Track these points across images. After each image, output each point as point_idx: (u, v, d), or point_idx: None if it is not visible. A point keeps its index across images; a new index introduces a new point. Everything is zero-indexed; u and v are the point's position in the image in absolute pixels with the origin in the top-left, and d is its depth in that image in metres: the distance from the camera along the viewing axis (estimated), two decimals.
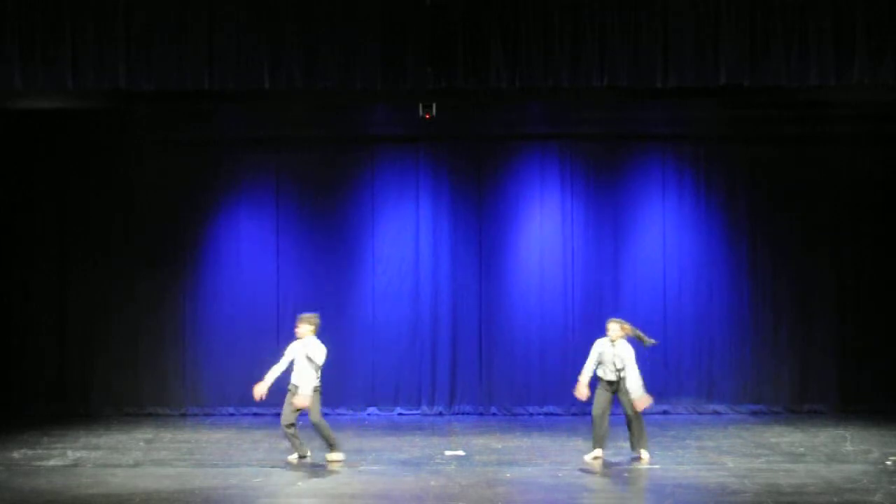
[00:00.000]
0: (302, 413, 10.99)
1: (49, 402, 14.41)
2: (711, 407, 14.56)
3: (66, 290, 14.58)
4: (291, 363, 11.06)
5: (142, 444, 12.07)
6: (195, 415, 14.44)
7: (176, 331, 14.62)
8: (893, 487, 9.41)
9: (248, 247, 14.68)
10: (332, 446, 10.93)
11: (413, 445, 11.95)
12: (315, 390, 10.92)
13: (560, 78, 11.09)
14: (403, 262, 14.69)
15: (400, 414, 14.52)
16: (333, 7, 11.06)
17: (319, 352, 11.02)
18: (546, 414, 14.35)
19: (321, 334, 14.56)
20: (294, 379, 10.95)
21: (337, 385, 14.59)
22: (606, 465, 10.71)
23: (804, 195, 14.68)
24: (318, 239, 14.72)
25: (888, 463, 10.61)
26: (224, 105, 13.11)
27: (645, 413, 14.29)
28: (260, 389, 11.02)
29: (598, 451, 11.06)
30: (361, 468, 10.54)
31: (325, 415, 14.15)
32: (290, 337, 14.50)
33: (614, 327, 11.20)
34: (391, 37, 11.04)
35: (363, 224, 14.72)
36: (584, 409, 14.36)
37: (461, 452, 11.38)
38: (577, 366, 14.45)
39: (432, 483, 9.74)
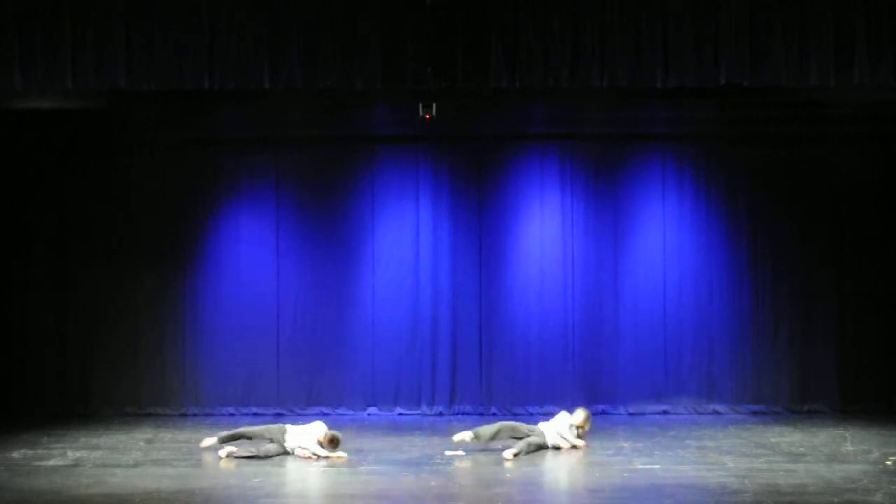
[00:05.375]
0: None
1: (49, 402, 14.41)
2: (711, 407, 14.56)
3: (66, 291, 14.58)
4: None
5: (142, 444, 12.07)
6: (195, 415, 14.44)
7: (176, 331, 14.62)
8: (893, 487, 9.41)
9: (248, 247, 14.68)
10: None
11: (413, 445, 11.95)
12: None
13: (560, 78, 11.09)
14: (403, 261, 14.69)
15: (400, 414, 14.52)
16: (333, 7, 11.06)
17: None
18: (546, 414, 14.26)
19: (321, 334, 14.69)
20: None
21: (337, 385, 14.63)
22: (607, 464, 10.69)
23: (804, 195, 14.68)
24: (318, 239, 14.72)
25: (888, 463, 10.60)
26: (224, 105, 13.10)
27: (645, 413, 14.43)
28: None
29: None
30: (361, 468, 10.54)
31: (325, 415, 14.27)
32: (290, 337, 14.62)
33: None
34: (391, 37, 11.03)
35: (363, 224, 14.72)
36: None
37: (461, 452, 11.37)
38: (577, 366, 14.61)
39: (432, 483, 9.73)
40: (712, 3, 11.06)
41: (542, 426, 11.81)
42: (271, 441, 11.21)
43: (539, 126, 14.80)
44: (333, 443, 11.12)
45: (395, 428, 13.38)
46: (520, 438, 11.55)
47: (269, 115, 14.25)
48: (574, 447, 11.62)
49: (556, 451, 11.53)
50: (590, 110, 14.10)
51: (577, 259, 14.68)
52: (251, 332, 14.60)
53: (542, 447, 11.58)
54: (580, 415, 11.87)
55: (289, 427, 11.34)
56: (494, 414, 14.41)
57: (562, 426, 11.78)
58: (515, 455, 11.14)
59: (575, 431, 11.77)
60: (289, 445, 11.15)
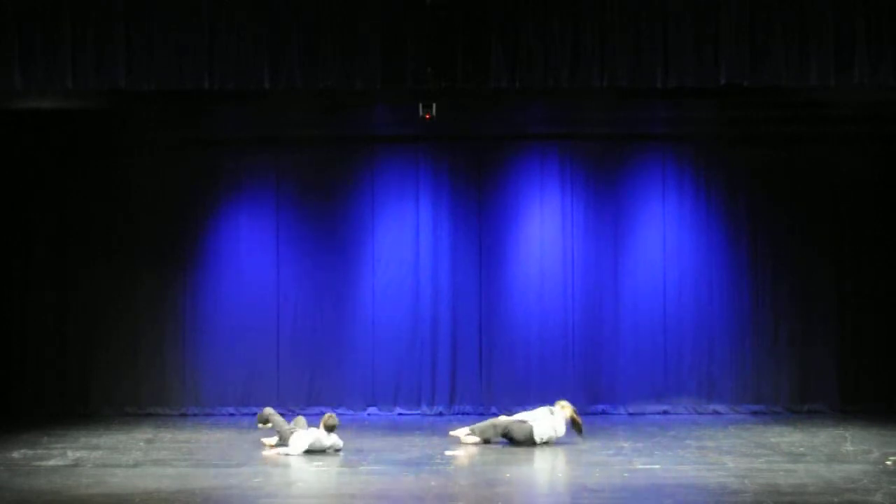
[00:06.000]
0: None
1: (49, 402, 14.42)
2: (711, 407, 14.56)
3: (66, 291, 14.59)
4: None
5: (142, 444, 12.07)
6: (195, 415, 14.44)
7: (176, 331, 14.62)
8: (893, 487, 9.41)
9: (248, 247, 14.69)
10: None
11: (413, 445, 11.95)
12: None
13: (560, 78, 11.09)
14: (403, 261, 14.69)
15: (400, 414, 14.53)
16: (333, 7, 11.06)
17: None
18: None
19: (321, 334, 14.69)
20: None
21: (337, 385, 14.63)
22: (607, 464, 10.68)
23: (804, 195, 14.68)
24: (318, 239, 14.72)
25: (888, 463, 10.60)
26: (224, 105, 13.11)
27: (645, 413, 14.43)
28: None
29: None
30: (361, 468, 10.54)
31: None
32: (290, 337, 14.62)
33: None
34: (391, 37, 11.03)
35: (363, 224, 14.72)
36: (584, 408, 14.39)
37: (461, 452, 11.38)
38: (577, 366, 14.62)
39: (432, 483, 9.73)
40: (712, 3, 11.07)
41: (530, 419, 11.90)
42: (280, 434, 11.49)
43: (539, 126, 14.80)
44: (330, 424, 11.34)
45: (395, 428, 13.39)
46: (508, 435, 11.81)
47: (269, 115, 14.25)
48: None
49: (549, 449, 11.54)
50: (590, 110, 14.10)
51: (577, 259, 14.68)
52: (251, 332, 14.60)
53: (518, 439, 11.71)
54: (566, 404, 12.09)
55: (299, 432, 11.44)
56: (494, 414, 14.38)
57: (556, 421, 11.83)
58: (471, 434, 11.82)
59: (567, 417, 11.89)
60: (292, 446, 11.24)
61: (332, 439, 11.31)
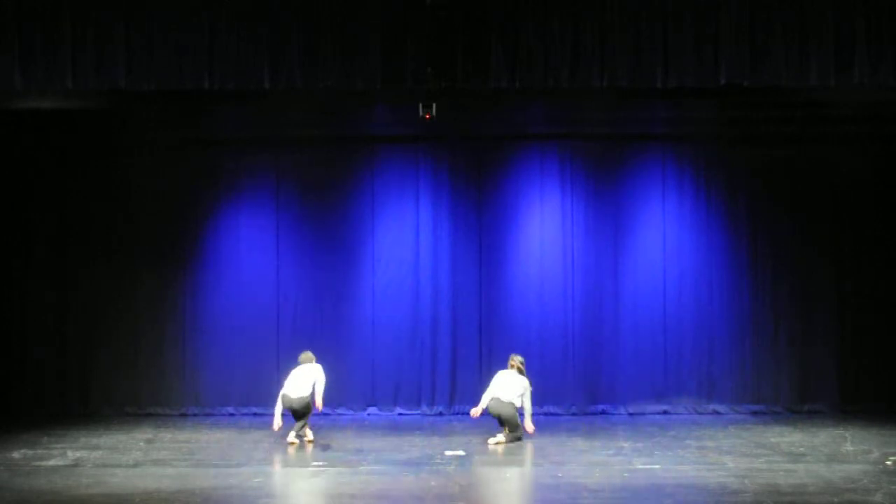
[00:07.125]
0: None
1: (49, 402, 14.42)
2: (711, 407, 14.56)
3: (66, 291, 14.59)
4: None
5: (142, 444, 12.07)
6: (195, 415, 14.45)
7: (176, 331, 14.62)
8: (893, 487, 9.41)
9: (248, 247, 14.69)
10: None
11: (413, 445, 11.96)
12: None
13: (560, 78, 11.10)
14: (403, 261, 14.69)
15: (400, 414, 14.53)
16: (333, 7, 11.07)
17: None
18: (546, 414, 14.33)
19: (321, 334, 14.70)
20: None
21: (337, 385, 14.56)
22: (607, 464, 10.68)
23: (804, 195, 14.68)
24: (318, 239, 14.72)
25: (888, 463, 10.61)
26: (224, 105, 13.11)
27: (645, 413, 14.43)
28: None
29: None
30: (361, 468, 10.54)
31: (325, 415, 14.28)
32: (291, 336, 14.61)
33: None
34: (391, 37, 11.04)
35: (363, 224, 14.72)
36: (584, 408, 14.48)
37: (461, 452, 11.39)
38: (577, 366, 14.61)
39: (432, 483, 9.74)
40: (712, 3, 11.08)
41: (497, 390, 12.20)
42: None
43: (539, 126, 14.80)
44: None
45: (395, 428, 13.39)
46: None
47: (269, 115, 14.25)
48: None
49: (549, 449, 11.55)
50: (590, 110, 14.11)
51: (577, 259, 14.68)
52: (251, 332, 14.60)
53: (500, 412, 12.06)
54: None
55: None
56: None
57: (524, 390, 12.22)
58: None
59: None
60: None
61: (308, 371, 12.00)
